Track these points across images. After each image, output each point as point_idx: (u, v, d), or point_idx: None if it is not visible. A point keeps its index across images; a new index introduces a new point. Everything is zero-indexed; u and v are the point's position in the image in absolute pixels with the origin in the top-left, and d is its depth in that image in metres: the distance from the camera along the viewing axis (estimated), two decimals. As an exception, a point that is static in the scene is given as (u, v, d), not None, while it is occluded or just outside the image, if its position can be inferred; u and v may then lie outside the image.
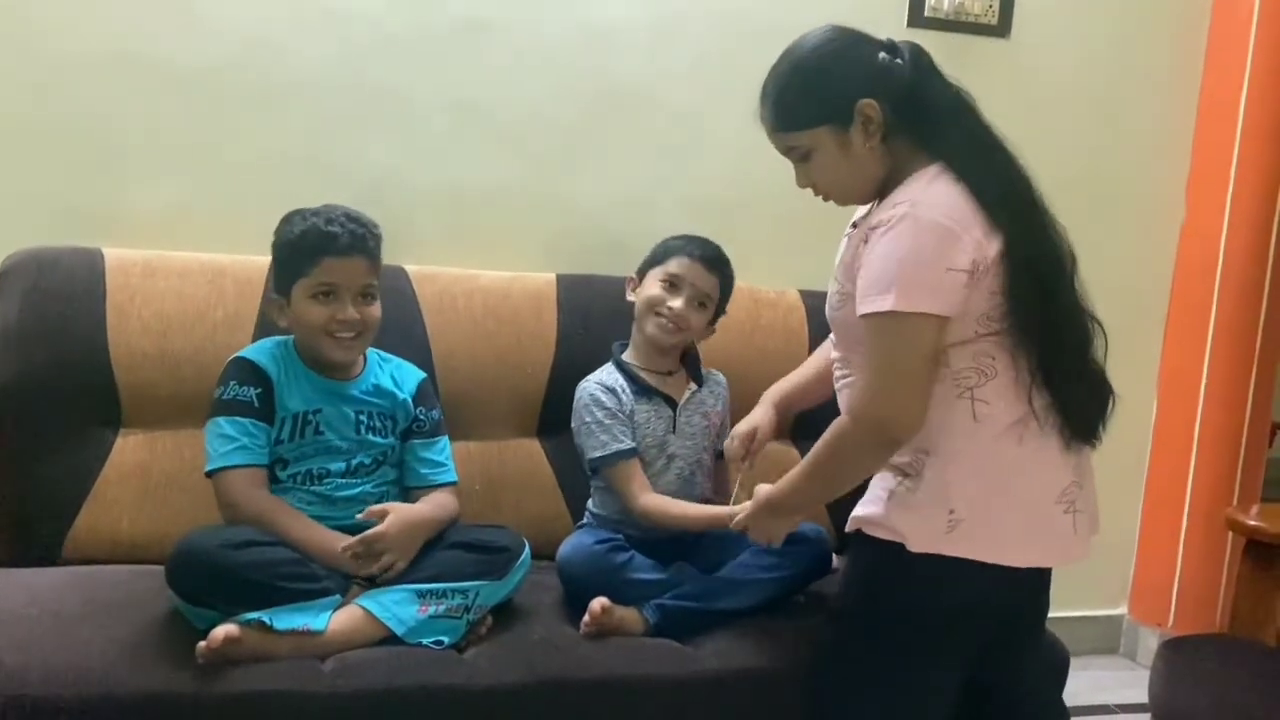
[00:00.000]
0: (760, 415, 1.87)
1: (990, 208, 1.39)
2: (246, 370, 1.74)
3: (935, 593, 1.46)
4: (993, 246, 1.39)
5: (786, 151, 1.53)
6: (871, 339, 1.40)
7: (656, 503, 1.87)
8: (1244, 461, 2.70)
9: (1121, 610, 2.92)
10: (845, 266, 1.50)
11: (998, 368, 1.43)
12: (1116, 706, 2.56)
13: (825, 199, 1.56)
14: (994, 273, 1.40)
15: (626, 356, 2.00)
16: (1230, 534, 2.58)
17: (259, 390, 1.72)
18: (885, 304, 1.37)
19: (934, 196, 1.40)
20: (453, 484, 1.88)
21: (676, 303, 1.92)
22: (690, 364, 2.04)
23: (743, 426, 1.85)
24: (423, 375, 1.92)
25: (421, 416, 1.87)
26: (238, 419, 1.70)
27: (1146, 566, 2.86)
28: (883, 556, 1.47)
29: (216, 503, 1.70)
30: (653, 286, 1.95)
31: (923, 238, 1.37)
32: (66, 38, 2.05)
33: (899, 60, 1.47)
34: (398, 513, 1.69)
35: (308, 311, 1.74)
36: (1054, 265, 1.45)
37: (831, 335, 1.64)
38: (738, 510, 1.69)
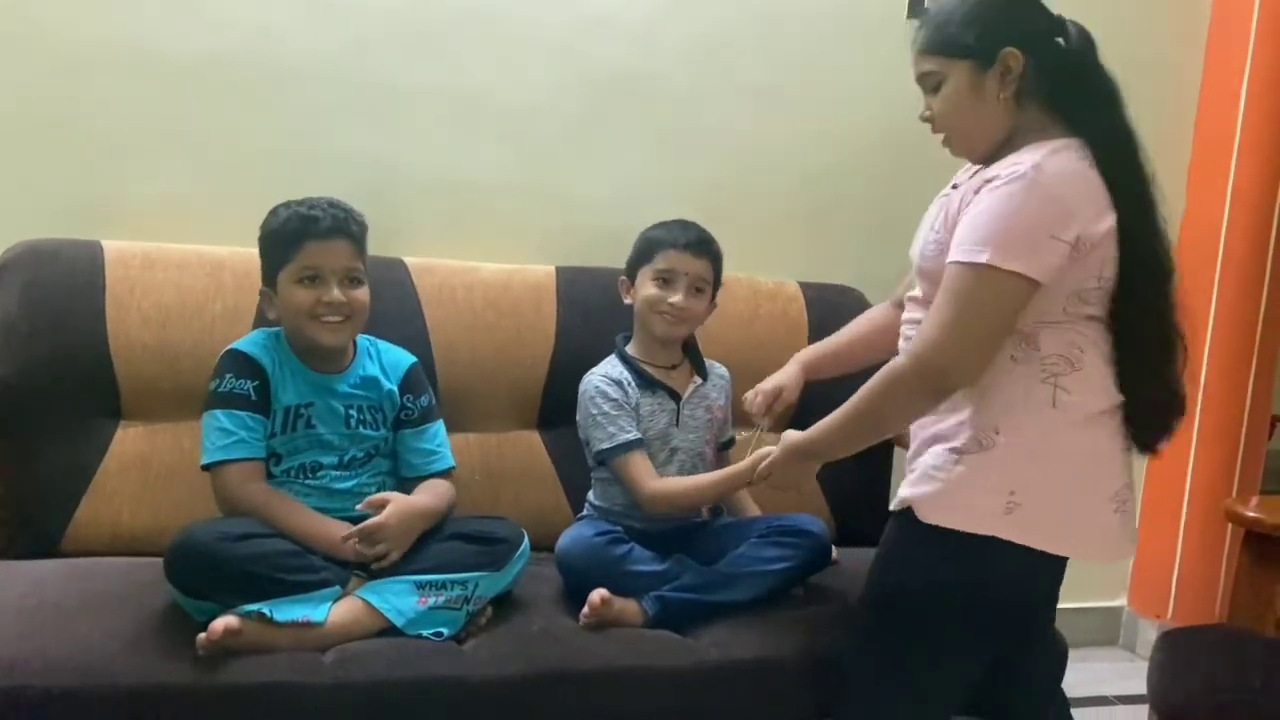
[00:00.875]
0: (786, 375, 1.88)
1: (1113, 190, 1.41)
2: (242, 362, 1.73)
3: (980, 575, 1.45)
4: (1102, 225, 1.39)
5: (920, 78, 1.54)
6: (956, 288, 1.39)
7: (665, 484, 1.87)
8: (1243, 453, 2.70)
9: (1121, 602, 2.92)
10: (949, 216, 1.47)
11: (1085, 360, 1.44)
12: (1115, 698, 2.56)
13: (942, 141, 1.56)
14: (1098, 255, 1.40)
15: (630, 350, 2.00)
16: (1229, 526, 2.59)
17: (255, 383, 1.71)
18: (981, 256, 1.36)
19: (1056, 164, 1.40)
20: (449, 469, 1.88)
21: (676, 297, 1.92)
22: (693, 356, 2.04)
23: (768, 384, 1.87)
24: (412, 360, 1.90)
25: (409, 405, 1.85)
26: (235, 412, 1.69)
27: (1146, 558, 2.85)
28: (930, 537, 1.46)
29: (214, 497, 1.70)
30: (648, 286, 1.94)
31: (1034, 200, 1.37)
32: (65, 30, 2.05)
33: (1061, 38, 1.48)
34: (397, 503, 1.68)
35: (293, 296, 1.72)
36: (1157, 266, 1.46)
37: (908, 294, 1.60)
38: (755, 462, 1.69)
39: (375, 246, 2.09)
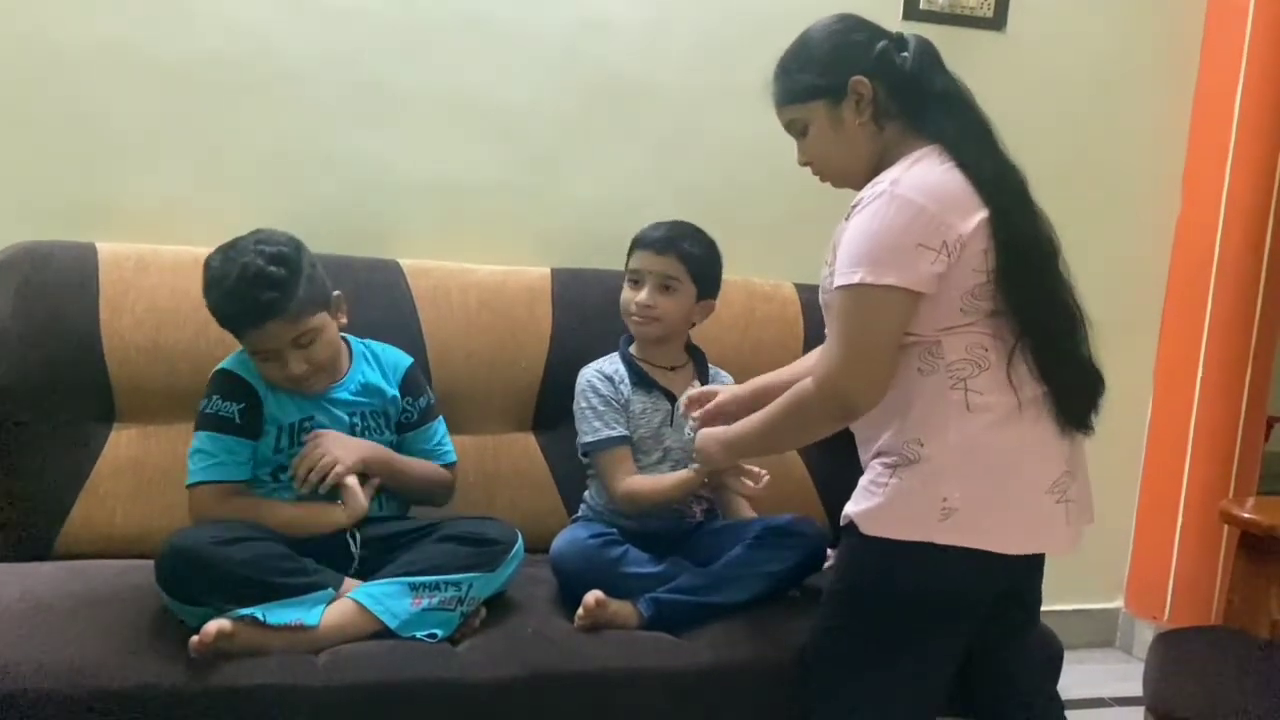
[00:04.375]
0: (731, 388, 1.88)
1: (979, 186, 1.44)
2: (229, 384, 1.72)
3: (925, 579, 1.47)
4: (969, 223, 1.42)
5: (787, 126, 1.62)
6: (841, 311, 1.45)
7: (633, 484, 1.88)
8: (1240, 454, 2.70)
9: (1117, 603, 2.92)
10: (834, 249, 1.52)
11: (990, 359, 1.46)
12: (1112, 699, 2.56)
13: (822, 178, 1.62)
14: (973, 250, 1.42)
15: (632, 349, 2.00)
16: (1226, 527, 2.58)
17: (241, 405, 1.70)
18: (855, 277, 1.42)
19: (913, 175, 1.45)
20: (450, 464, 1.90)
21: (641, 295, 1.93)
22: (697, 361, 2.04)
23: (711, 386, 1.89)
24: (409, 361, 1.91)
25: (409, 408, 1.86)
26: (218, 435, 1.69)
27: (1142, 560, 2.86)
28: (874, 547, 1.48)
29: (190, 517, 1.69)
30: (624, 289, 1.97)
31: (894, 213, 1.41)
32: (59, 30, 2.05)
33: (904, 52, 1.53)
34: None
35: (262, 369, 1.72)
36: (1039, 249, 1.49)
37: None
38: (704, 472, 1.77)
39: (370, 248, 2.11)
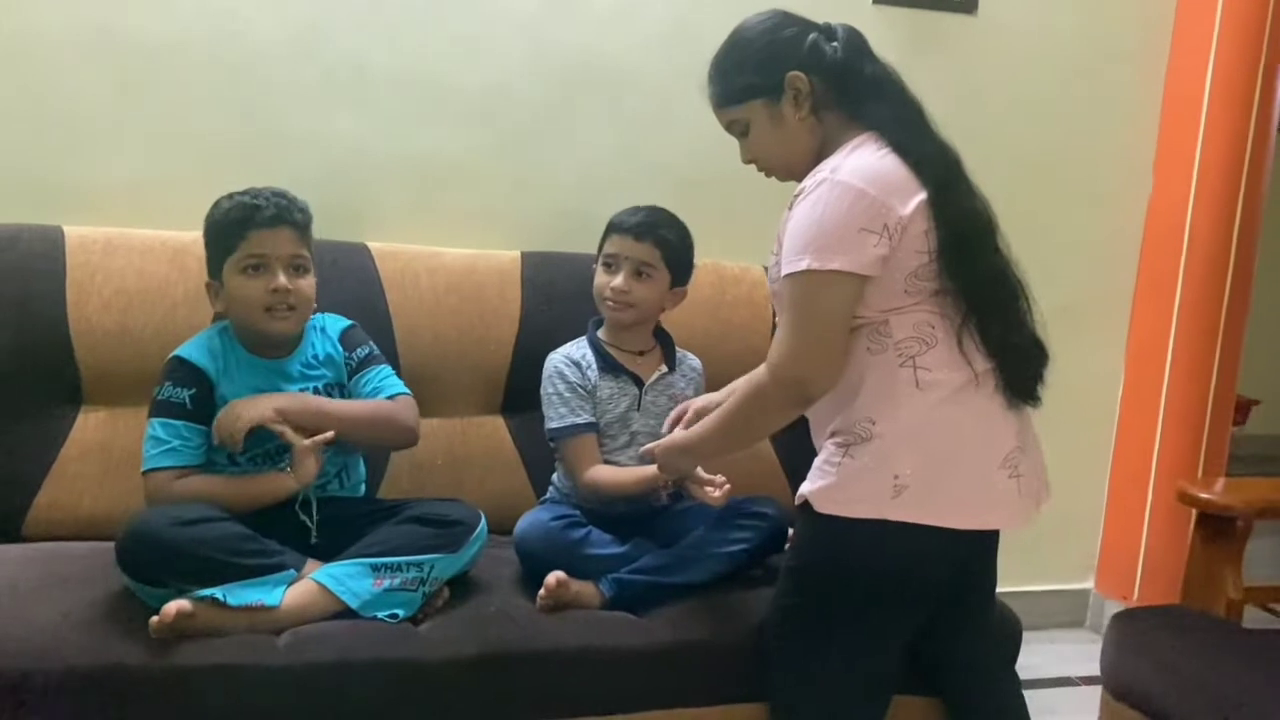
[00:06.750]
0: (707, 396, 1.89)
1: (917, 169, 1.46)
2: (181, 370, 1.73)
3: (879, 556, 1.49)
4: (909, 206, 1.44)
5: (728, 127, 1.63)
6: (790, 299, 1.46)
7: (597, 475, 1.89)
8: (1208, 436, 2.72)
9: (1088, 584, 2.95)
10: (779, 239, 1.54)
11: (938, 336, 1.48)
12: (1079, 679, 2.59)
13: (767, 174, 1.64)
14: (914, 232, 1.44)
15: (600, 333, 2.01)
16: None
17: (192, 391, 1.71)
18: (801, 264, 1.44)
19: (852, 162, 1.46)
20: (400, 394, 1.86)
21: (617, 280, 1.93)
22: (664, 345, 2.04)
23: (700, 401, 1.87)
24: (347, 323, 1.91)
25: (349, 360, 1.86)
26: (170, 421, 1.70)
27: (1112, 540, 2.88)
28: (828, 526, 1.50)
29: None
30: (598, 273, 1.97)
31: (836, 199, 1.43)
32: (26, 11, 2.04)
33: (833, 42, 1.55)
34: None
35: (241, 288, 1.73)
36: (979, 226, 1.51)
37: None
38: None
39: (339, 231, 2.10)
